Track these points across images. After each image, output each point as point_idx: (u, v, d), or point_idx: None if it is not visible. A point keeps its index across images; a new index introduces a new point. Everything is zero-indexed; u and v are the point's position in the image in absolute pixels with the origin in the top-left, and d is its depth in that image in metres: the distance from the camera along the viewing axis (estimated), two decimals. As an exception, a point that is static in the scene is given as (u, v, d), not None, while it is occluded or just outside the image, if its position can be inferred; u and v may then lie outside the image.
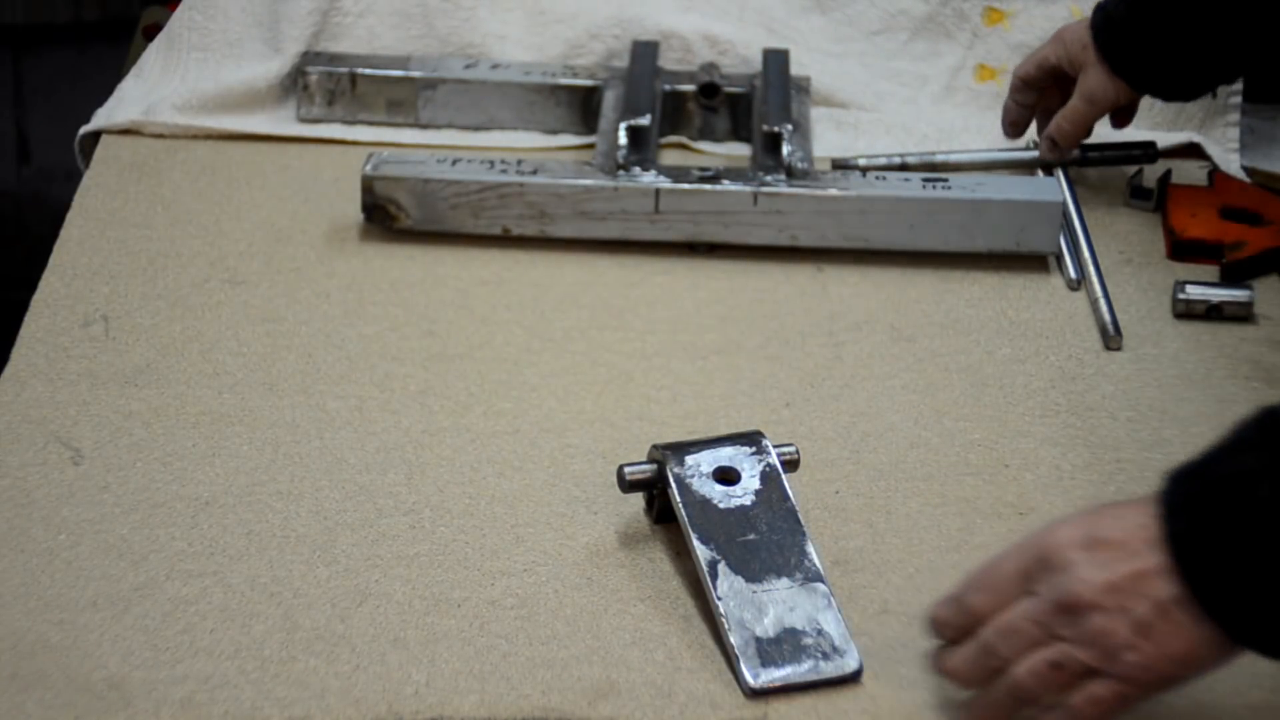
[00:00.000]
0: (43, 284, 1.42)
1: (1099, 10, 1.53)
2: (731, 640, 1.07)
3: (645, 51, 1.69)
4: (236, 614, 1.09)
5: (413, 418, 1.29)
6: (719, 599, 1.08)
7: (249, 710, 1.02)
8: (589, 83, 1.67)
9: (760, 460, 1.16)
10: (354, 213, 1.51)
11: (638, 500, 1.19)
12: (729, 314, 1.43)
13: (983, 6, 1.75)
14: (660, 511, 1.17)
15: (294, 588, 1.12)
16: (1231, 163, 1.66)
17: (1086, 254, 1.50)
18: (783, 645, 1.07)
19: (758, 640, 1.07)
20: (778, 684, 1.05)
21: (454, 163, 1.51)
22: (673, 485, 1.14)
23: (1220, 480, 0.93)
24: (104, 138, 1.63)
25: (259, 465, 1.23)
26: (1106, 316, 1.42)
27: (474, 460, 1.25)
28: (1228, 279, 1.48)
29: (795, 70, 1.69)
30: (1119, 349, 1.40)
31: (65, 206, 1.52)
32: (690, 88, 1.67)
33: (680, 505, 1.13)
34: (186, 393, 1.30)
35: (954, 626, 1.01)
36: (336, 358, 1.35)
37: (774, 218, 1.49)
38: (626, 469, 1.16)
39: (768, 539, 1.12)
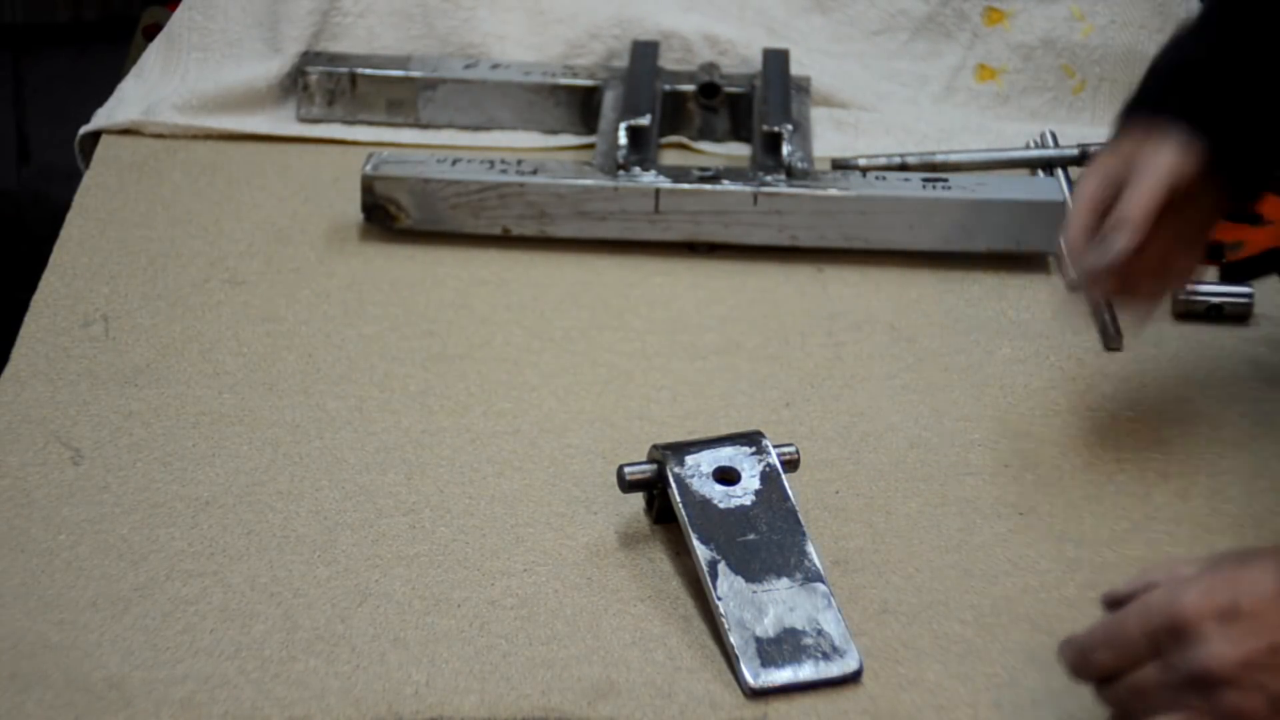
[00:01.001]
0: (43, 284, 1.42)
1: None
2: (731, 640, 1.07)
3: (645, 51, 1.69)
4: (236, 614, 1.09)
5: (413, 418, 1.29)
6: (719, 599, 1.08)
7: (249, 710, 1.02)
8: (589, 83, 1.67)
9: (760, 460, 1.15)
10: (354, 213, 1.51)
11: (638, 500, 1.19)
12: (729, 314, 1.43)
13: (983, 6, 1.75)
14: (660, 511, 1.17)
15: (294, 588, 1.12)
16: (1231, 163, 1.66)
17: (1086, 254, 1.50)
18: (783, 645, 1.07)
19: (758, 640, 1.07)
20: (778, 684, 1.05)
21: (454, 163, 1.51)
22: (673, 485, 1.13)
23: None
24: (104, 138, 1.63)
25: (259, 465, 1.23)
26: (1106, 316, 1.42)
27: (474, 460, 1.24)
28: (1228, 279, 1.48)
29: (795, 70, 1.69)
30: (1119, 349, 1.40)
31: (65, 206, 1.52)
32: (690, 88, 1.67)
33: (680, 505, 1.13)
34: (186, 393, 1.30)
35: (1081, 673, 0.99)
36: (336, 358, 1.35)
37: (774, 218, 1.49)
38: (626, 469, 1.16)
39: (768, 539, 1.12)
